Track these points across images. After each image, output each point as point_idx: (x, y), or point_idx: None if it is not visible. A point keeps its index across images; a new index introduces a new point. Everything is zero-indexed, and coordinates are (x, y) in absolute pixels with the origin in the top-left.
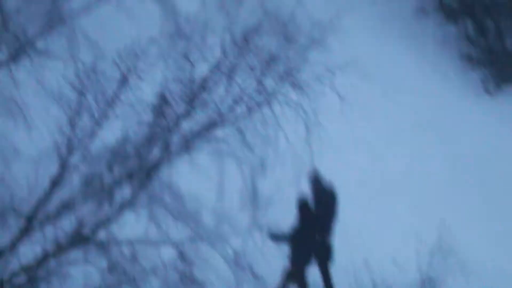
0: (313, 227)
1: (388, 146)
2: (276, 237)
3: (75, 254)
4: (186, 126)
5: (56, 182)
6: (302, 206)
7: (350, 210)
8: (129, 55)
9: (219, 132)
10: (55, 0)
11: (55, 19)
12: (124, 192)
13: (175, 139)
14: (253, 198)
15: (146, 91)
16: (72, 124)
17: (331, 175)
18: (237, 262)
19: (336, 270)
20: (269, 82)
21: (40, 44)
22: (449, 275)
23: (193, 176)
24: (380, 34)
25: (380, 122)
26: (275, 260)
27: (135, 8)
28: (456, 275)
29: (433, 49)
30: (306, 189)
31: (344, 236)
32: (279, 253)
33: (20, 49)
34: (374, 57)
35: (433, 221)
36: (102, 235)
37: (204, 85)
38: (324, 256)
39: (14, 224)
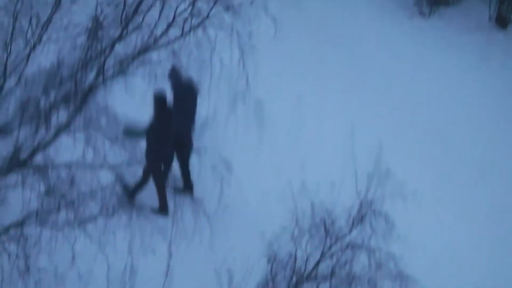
0: (170, 120)
1: (322, 67)
2: (131, 132)
3: (13, 178)
4: (120, 49)
5: None
6: (158, 99)
7: (285, 133)
8: None
9: (154, 55)
10: None
11: None
12: (60, 116)
13: (110, 63)
14: None
15: (80, 15)
16: (6, 48)
17: (266, 96)
18: (175, 185)
19: (274, 194)
20: (202, 5)
21: None
22: (387, 197)
23: (128, 99)
24: None
25: (314, 45)
26: (213, 183)
27: None
28: (393, 197)
29: None
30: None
31: (280, 160)
32: (217, 177)
33: None
34: None
35: (370, 144)
36: (39, 159)
37: (137, 9)
38: (184, 149)
39: None
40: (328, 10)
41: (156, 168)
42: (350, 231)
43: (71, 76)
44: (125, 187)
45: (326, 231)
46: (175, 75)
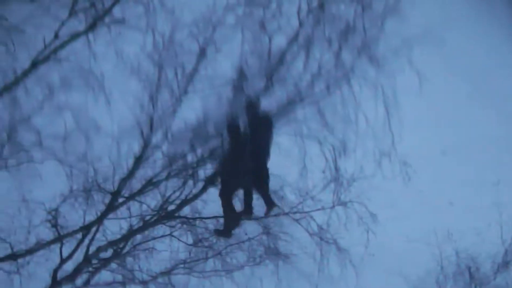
0: (245, 150)
1: (468, 120)
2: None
3: (161, 229)
4: (266, 103)
5: (139, 161)
6: (230, 128)
7: (432, 183)
8: (206, 25)
9: (299, 113)
10: None
11: None
12: (208, 170)
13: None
14: (336, 176)
15: (224, 64)
16: (152, 101)
17: (411, 152)
18: (322, 236)
19: (419, 241)
20: (346, 56)
21: (117, 12)
22: None
23: (275, 156)
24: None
25: (459, 98)
26: (359, 234)
27: None
28: None
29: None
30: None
31: (427, 207)
32: (363, 228)
33: (98, 17)
34: (450, 26)
35: None
36: (187, 211)
37: (282, 59)
38: (260, 178)
39: (100, 201)
40: (474, 58)
41: (226, 193)
42: (495, 277)
43: (217, 132)
44: (218, 231)
45: (471, 277)
46: (251, 108)
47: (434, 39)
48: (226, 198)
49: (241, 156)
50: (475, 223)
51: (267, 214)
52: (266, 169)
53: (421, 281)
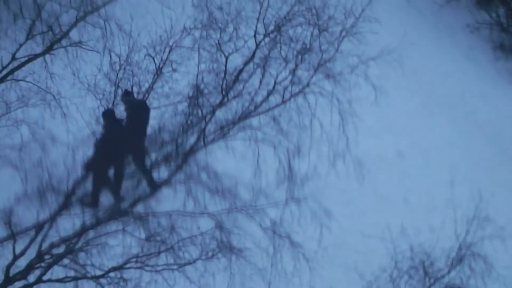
0: (122, 132)
1: (423, 130)
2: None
3: (114, 226)
4: (221, 115)
5: None
6: (106, 114)
7: (387, 182)
8: (163, 47)
9: (254, 121)
10: None
11: (88, 7)
12: (162, 173)
13: (211, 128)
14: (289, 175)
15: (181, 82)
16: None
17: (366, 154)
18: (275, 230)
19: (373, 237)
20: (302, 73)
21: (74, 35)
22: (486, 240)
23: (229, 159)
24: (411, 22)
25: (414, 106)
26: (313, 229)
27: None
28: (492, 239)
29: (465, 37)
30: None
31: (382, 205)
32: (317, 223)
33: (55, 41)
34: (407, 46)
35: (469, 193)
36: (140, 208)
37: (238, 77)
38: (138, 155)
39: (54, 201)
40: (427, 72)
41: (99, 170)
42: (449, 272)
43: (172, 139)
44: (84, 200)
45: (425, 272)
46: (127, 96)
47: (393, 57)
48: (98, 175)
49: (117, 138)
50: (430, 221)
51: (151, 194)
52: (143, 148)
53: (375, 276)
